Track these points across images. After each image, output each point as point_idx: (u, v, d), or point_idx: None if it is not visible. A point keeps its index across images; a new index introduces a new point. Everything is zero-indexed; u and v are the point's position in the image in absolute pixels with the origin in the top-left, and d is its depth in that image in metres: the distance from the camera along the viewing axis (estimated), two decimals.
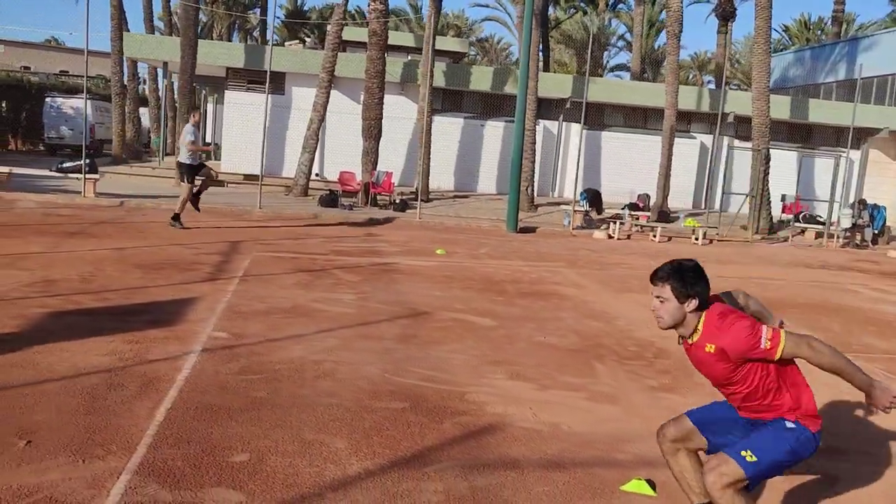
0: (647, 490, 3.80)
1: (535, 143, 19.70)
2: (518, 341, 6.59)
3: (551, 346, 6.51)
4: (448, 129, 21.69)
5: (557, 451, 4.23)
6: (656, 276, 3.08)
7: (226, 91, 20.99)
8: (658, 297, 3.07)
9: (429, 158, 19.34)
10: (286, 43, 33.03)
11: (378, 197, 18.70)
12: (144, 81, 35.15)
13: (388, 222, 15.60)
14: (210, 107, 28.88)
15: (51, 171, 15.25)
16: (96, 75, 62.16)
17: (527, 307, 8.04)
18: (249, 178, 20.71)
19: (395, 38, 23.59)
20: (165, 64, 21.80)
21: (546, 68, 30.85)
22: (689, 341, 3.12)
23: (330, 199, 17.44)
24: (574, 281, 9.96)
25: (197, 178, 12.08)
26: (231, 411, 4.41)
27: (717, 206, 20.74)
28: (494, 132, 22.31)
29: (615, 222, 16.57)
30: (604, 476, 3.98)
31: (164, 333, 5.93)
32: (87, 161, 15.11)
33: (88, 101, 30.86)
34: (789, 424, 3.03)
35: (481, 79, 21.88)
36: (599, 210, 17.95)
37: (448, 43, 27.35)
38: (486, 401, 4.95)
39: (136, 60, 24.77)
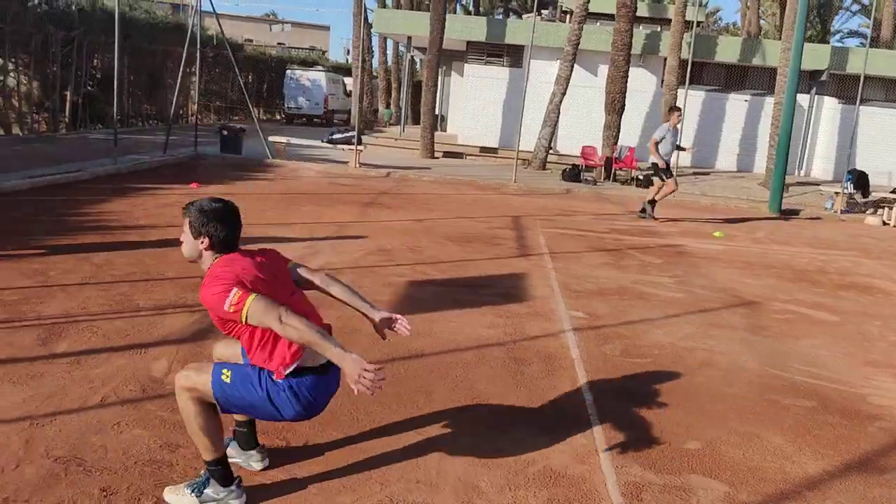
0: None
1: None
2: (876, 340, 6.25)
3: None
4: (689, 102, 20.89)
5: None
6: (184, 207, 3.07)
7: (465, 64, 21.47)
8: (183, 227, 3.03)
9: None
10: (523, 16, 33.25)
11: (618, 172, 18.45)
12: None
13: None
14: (439, 79, 29.71)
15: (322, 141, 16.41)
16: (309, 47, 66.02)
17: (856, 301, 7.60)
18: (486, 150, 21.20)
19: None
20: (409, 38, 22.61)
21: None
22: None
23: (573, 174, 17.44)
24: (885, 274, 9.29)
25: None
26: (645, 396, 4.53)
27: None
28: (737, 106, 21.23)
29: (888, 207, 15.24)
30: None
31: (525, 309, 6.20)
32: (354, 134, 16.09)
33: (322, 73, 33.07)
34: (280, 380, 2.90)
35: (727, 50, 20.83)
36: (866, 193, 16.61)
37: (689, 13, 26.20)
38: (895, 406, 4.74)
39: (384, 36, 25.88)
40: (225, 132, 15.39)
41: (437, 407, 4.11)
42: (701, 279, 7.97)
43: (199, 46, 14.98)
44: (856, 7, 53.01)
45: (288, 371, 2.91)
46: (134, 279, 6.09)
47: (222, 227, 3.01)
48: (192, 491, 3.02)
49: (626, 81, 18.16)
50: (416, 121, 34.39)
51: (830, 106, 21.10)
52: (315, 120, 32.23)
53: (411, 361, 4.80)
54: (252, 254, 3.10)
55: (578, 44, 18.49)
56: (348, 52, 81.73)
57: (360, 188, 13.09)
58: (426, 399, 4.21)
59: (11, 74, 17.36)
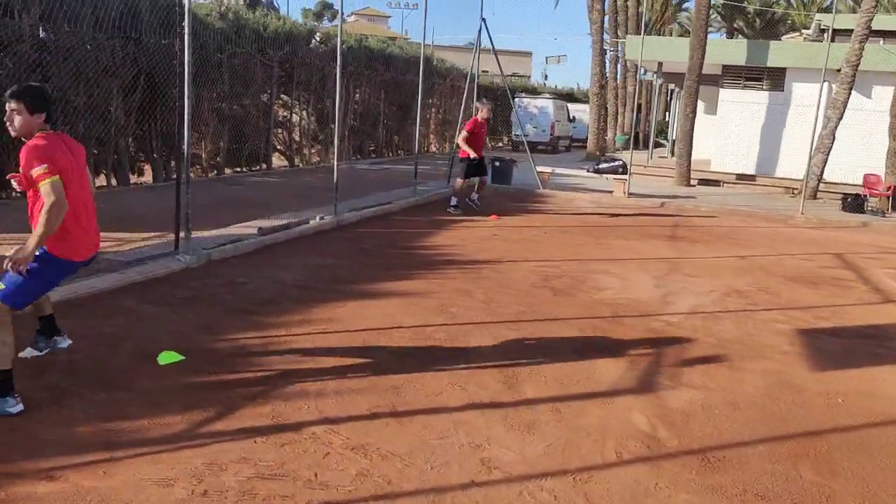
0: None
1: None
2: None
3: None
4: None
5: None
6: (11, 93, 3.74)
7: (720, 89, 20.57)
8: (14, 109, 3.73)
9: None
10: (783, 37, 31.74)
11: None
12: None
13: None
14: (673, 103, 28.90)
15: (587, 171, 16.27)
16: (511, 73, 67.04)
17: None
18: (742, 178, 20.14)
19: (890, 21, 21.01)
20: (660, 64, 22.10)
21: None
22: None
23: (856, 204, 16.05)
24: None
25: None
26: None
27: None
28: None
29: None
30: None
31: None
32: (621, 163, 15.83)
33: (550, 100, 33.21)
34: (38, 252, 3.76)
35: None
36: None
37: None
38: None
39: (634, 63, 25.58)
40: (497, 163, 15.69)
41: None
42: None
43: (476, 82, 15.44)
44: None
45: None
46: (525, 318, 6.14)
47: (51, 105, 3.85)
48: None
49: None
50: (636, 146, 33.61)
51: None
52: (539, 147, 32.36)
53: (888, 427, 4.38)
54: (65, 141, 3.95)
55: (858, 65, 17.11)
56: (545, 76, 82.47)
57: (648, 219, 12.75)
58: None
59: (295, 110, 18.86)
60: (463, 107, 15.95)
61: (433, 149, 28.30)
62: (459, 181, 12.21)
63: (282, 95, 18.74)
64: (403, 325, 5.69)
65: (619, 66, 32.49)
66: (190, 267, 7.03)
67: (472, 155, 12.00)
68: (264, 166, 17.58)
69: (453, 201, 12.11)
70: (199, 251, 7.29)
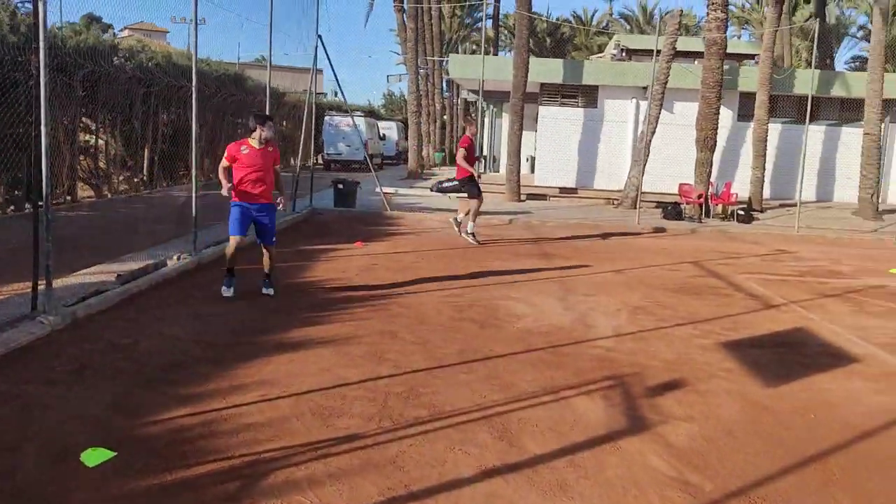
0: None
1: (880, 147, 18.55)
2: None
3: None
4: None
5: None
6: (268, 118, 7.17)
7: (540, 106, 21.39)
8: (267, 127, 7.02)
9: (764, 168, 18.86)
10: (591, 57, 33.43)
11: (711, 209, 18.31)
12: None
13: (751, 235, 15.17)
14: (486, 120, 29.68)
15: (431, 190, 16.10)
16: (303, 90, 66.14)
17: None
18: (565, 191, 21.03)
19: (695, 43, 23.10)
20: (483, 83, 22.54)
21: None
22: (258, 147, 7.03)
23: (675, 212, 17.30)
24: None
25: None
26: None
27: None
28: (814, 137, 21.23)
29: None
30: None
31: (875, 370, 5.90)
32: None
33: (361, 119, 32.85)
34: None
35: (805, 83, 20.89)
36: None
37: (741, 47, 26.52)
38: None
39: (456, 81, 25.82)
40: (340, 185, 15.07)
41: None
42: None
43: (313, 106, 14.71)
44: (860, 33, 54.14)
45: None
46: (472, 359, 5.71)
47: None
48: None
49: (718, 118, 18.10)
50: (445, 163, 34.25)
51: None
52: (353, 165, 31.81)
53: (876, 439, 4.47)
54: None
55: (667, 83, 18.47)
56: (336, 93, 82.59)
57: (508, 237, 12.77)
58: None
59: (101, 135, 16.96)
60: (304, 125, 15.15)
61: None
62: (475, 203, 11.74)
63: (83, 119, 16.80)
64: (351, 381, 5.04)
65: (428, 84, 32.91)
66: (56, 329, 5.84)
67: (473, 172, 11.76)
68: (69, 198, 15.61)
69: (470, 227, 11.63)
70: (60, 309, 6.09)
